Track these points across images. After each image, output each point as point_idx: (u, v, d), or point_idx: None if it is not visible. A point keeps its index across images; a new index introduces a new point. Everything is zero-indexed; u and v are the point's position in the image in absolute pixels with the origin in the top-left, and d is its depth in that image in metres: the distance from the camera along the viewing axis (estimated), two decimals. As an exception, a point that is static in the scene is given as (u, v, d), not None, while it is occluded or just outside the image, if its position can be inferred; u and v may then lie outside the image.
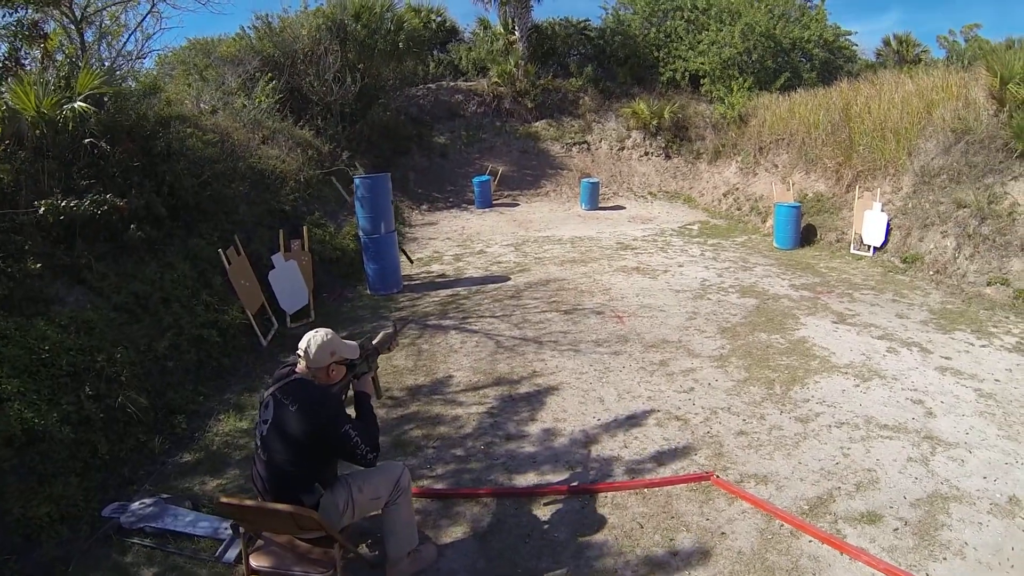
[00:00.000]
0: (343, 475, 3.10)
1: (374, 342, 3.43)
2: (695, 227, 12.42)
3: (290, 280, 7.10)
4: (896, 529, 3.51)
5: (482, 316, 7.32)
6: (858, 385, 5.33)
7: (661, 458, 4.31)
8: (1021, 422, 4.63)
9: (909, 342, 6.21)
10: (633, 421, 4.81)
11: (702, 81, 16.67)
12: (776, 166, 13.02)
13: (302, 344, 2.90)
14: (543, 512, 3.76)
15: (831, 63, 17.00)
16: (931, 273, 8.27)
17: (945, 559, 3.26)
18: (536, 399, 5.23)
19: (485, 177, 14.04)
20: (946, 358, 5.81)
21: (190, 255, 6.45)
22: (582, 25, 18.78)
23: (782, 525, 3.57)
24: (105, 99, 6.20)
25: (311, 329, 2.99)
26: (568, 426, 4.75)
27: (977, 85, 9.49)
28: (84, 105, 5.61)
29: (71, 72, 6.19)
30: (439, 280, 9.03)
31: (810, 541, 3.43)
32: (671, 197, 15.05)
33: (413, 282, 8.93)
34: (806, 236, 10.61)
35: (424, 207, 13.67)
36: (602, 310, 7.39)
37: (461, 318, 7.28)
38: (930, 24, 54.21)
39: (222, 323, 6.10)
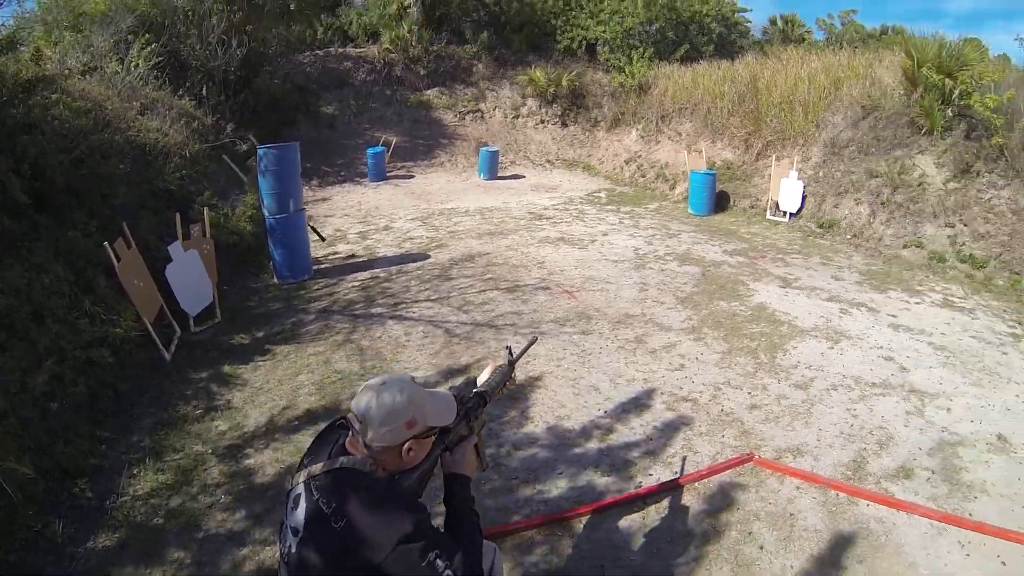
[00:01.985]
0: None
1: (481, 385, 2.30)
2: (602, 195, 12.88)
3: (192, 274, 6.16)
4: (928, 479, 3.94)
5: (416, 300, 6.94)
6: (832, 347, 5.79)
7: (692, 443, 4.33)
8: (978, 369, 5.37)
9: (855, 303, 6.85)
10: (642, 407, 4.78)
11: (600, 50, 17.27)
12: (679, 134, 13.72)
13: (358, 405, 1.77)
14: (601, 532, 3.52)
15: (726, 38, 18.31)
16: (848, 237, 9.14)
17: (976, 498, 3.76)
18: (523, 394, 4.97)
19: (379, 148, 13.65)
20: (893, 316, 6.51)
21: (63, 252, 5.31)
22: (479, -10, 18.72)
23: (838, 495, 3.78)
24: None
25: (375, 380, 1.83)
26: (574, 422, 4.59)
27: (881, 66, 10.81)
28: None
29: None
30: (352, 262, 8.45)
31: (868, 505, 3.69)
32: (570, 165, 15.51)
33: (322, 266, 8.27)
34: (719, 202, 11.38)
35: (315, 182, 12.98)
36: (546, 285, 7.36)
37: (393, 304, 6.84)
38: (809, 6, 60.29)
39: (113, 338, 5.08)
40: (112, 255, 5.18)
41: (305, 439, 4.37)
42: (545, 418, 4.64)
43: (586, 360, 5.51)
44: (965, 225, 8.08)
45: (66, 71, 7.75)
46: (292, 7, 13.60)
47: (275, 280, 7.61)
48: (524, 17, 17.99)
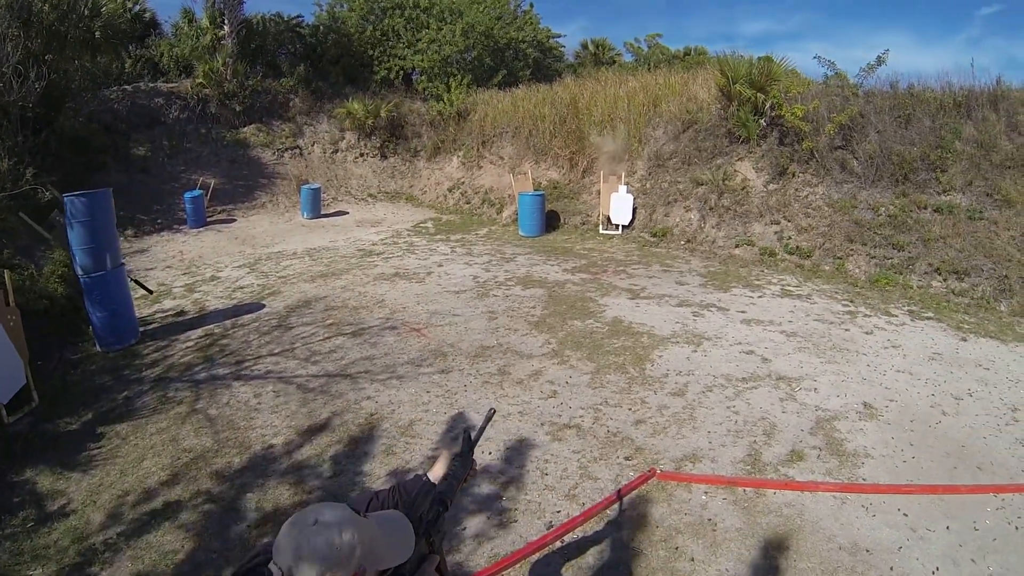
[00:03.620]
0: None
1: (438, 483, 1.86)
2: (429, 225, 12.71)
3: None
4: (818, 456, 4.15)
5: (260, 356, 6.17)
6: (695, 350, 5.91)
7: (588, 470, 4.07)
8: (829, 348, 5.81)
9: (705, 304, 7.15)
10: (527, 444, 4.45)
11: (417, 79, 17.26)
12: (502, 158, 13.99)
13: (282, 557, 1.23)
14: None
15: (542, 62, 19.07)
16: (683, 243, 9.66)
17: (863, 464, 4.07)
18: (399, 447, 4.48)
19: (197, 192, 12.54)
20: (742, 312, 6.86)
21: None
22: (295, 22, 18.17)
23: (745, 491, 3.76)
24: None
25: (301, 516, 1.28)
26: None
27: (696, 83, 11.76)
28: None
29: None
30: (182, 319, 7.38)
31: (775, 493, 3.74)
32: (392, 197, 15.27)
33: (150, 326, 7.12)
34: (550, 222, 11.60)
35: (130, 232, 11.50)
36: (392, 324, 6.90)
37: (235, 363, 6.01)
38: (612, 30, 64.86)
39: None
40: None
41: (168, 539, 3.57)
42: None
43: (454, 401, 5.12)
44: (788, 221, 8.89)
45: None
46: (97, 35, 12.30)
47: (97, 348, 6.41)
48: (341, 48, 17.62)
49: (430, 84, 16.75)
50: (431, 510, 1.68)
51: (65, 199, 6.23)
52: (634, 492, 3.76)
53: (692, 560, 3.23)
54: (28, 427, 5.02)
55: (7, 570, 3.47)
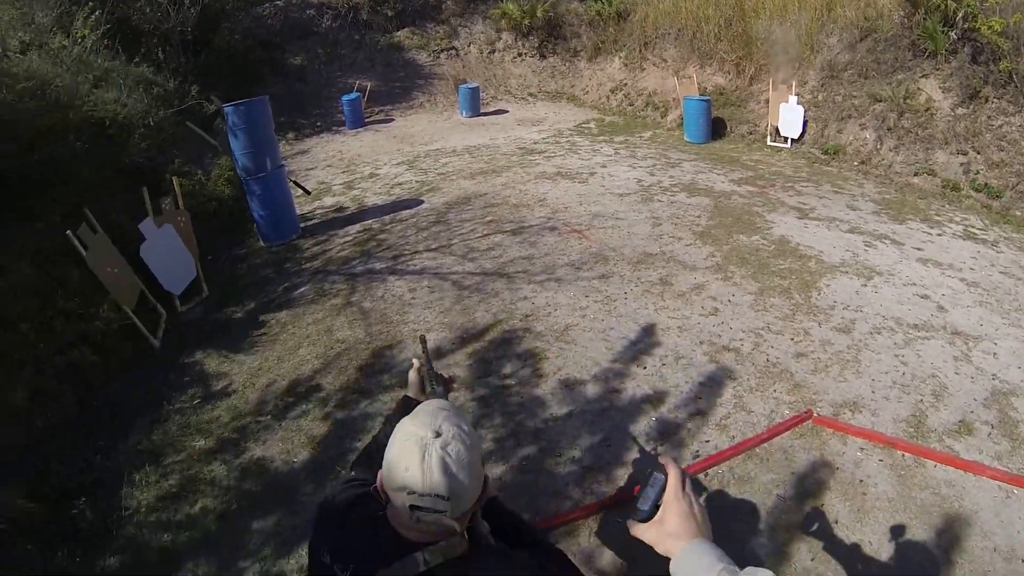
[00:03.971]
0: None
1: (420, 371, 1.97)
2: (592, 125, 12.34)
3: (169, 251, 5.63)
4: (988, 434, 3.70)
5: (416, 252, 6.48)
6: (865, 285, 5.50)
7: (743, 401, 4.05)
8: (1014, 309, 5.08)
9: (878, 234, 6.56)
10: (683, 361, 4.45)
11: None
12: (665, 60, 13.09)
13: (430, 478, 1.18)
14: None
15: None
16: (856, 164, 8.78)
17: None
18: (550, 350, 4.61)
19: (354, 95, 12.95)
20: (918, 249, 6.23)
21: (27, 249, 4.76)
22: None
23: (904, 456, 3.54)
24: None
25: (412, 426, 1.24)
26: (614, 382, 4.25)
27: None
28: None
29: None
30: (340, 215, 7.92)
31: (935, 466, 3.46)
32: (553, 97, 14.95)
33: (310, 222, 7.74)
34: (716, 129, 10.88)
35: (291, 136, 12.26)
36: (553, 225, 6.93)
37: (392, 258, 6.38)
38: None
39: (94, 334, 4.62)
40: (77, 244, 4.64)
41: (315, 425, 4.02)
42: (583, 380, 4.27)
43: (612, 308, 5.15)
44: (978, 153, 7.73)
45: (3, 53, 6.94)
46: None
47: (261, 243, 7.07)
48: (494, -53, 16.87)
49: (588, -17, 15.78)
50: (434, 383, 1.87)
51: (225, 109, 6.72)
52: (786, 432, 3.69)
53: (836, 523, 3.14)
54: (199, 315, 5.71)
55: (175, 440, 4.11)
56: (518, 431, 3.82)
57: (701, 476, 3.42)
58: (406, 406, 1.72)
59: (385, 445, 1.25)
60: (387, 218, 7.53)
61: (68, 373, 4.28)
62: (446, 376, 1.97)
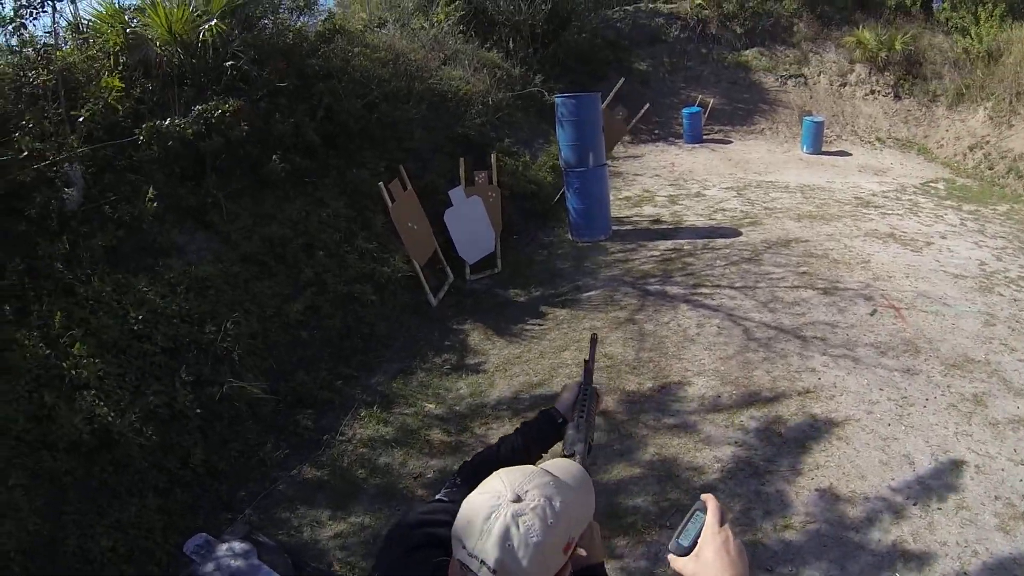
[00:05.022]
0: None
1: (572, 430, 1.50)
2: (940, 186, 10.01)
3: (472, 221, 5.96)
4: None
5: (718, 285, 5.80)
6: None
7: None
8: None
9: None
10: (964, 514, 3.20)
11: (940, 7, 13.72)
12: (1043, 117, 9.96)
13: (481, 548, 0.93)
14: None
15: None
16: None
17: None
18: (818, 444, 3.72)
19: (695, 109, 12.63)
20: None
21: (348, 189, 5.43)
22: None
23: None
24: (262, 19, 5.72)
25: (496, 487, 0.99)
26: (868, 505, 3.28)
27: None
28: (221, 24, 4.96)
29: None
30: (654, 228, 7.58)
31: None
32: (903, 146, 12.69)
33: (623, 226, 7.53)
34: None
35: (627, 138, 12.46)
36: (870, 294, 5.62)
37: (691, 285, 5.81)
38: None
39: (380, 276, 5.02)
40: (386, 196, 5.14)
41: None
42: (839, 494, 3.34)
43: (904, 414, 4.01)
44: None
45: (368, 26, 8.24)
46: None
47: (569, 236, 7.10)
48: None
49: (954, 13, 13.10)
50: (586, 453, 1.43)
51: (556, 99, 6.79)
52: None
53: None
54: (483, 288, 5.86)
55: (410, 395, 4.19)
56: (745, 525, 3.14)
57: None
58: (545, 420, 1.56)
59: (504, 458, 1.22)
60: (700, 243, 7.00)
61: (345, 302, 4.72)
62: (598, 393, 1.64)
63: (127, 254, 3.78)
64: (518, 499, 0.98)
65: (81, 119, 4.00)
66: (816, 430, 3.84)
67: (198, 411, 3.35)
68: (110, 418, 2.90)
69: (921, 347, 4.72)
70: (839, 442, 3.73)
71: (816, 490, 3.36)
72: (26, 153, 3.62)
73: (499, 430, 3.83)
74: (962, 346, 4.75)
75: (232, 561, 2.77)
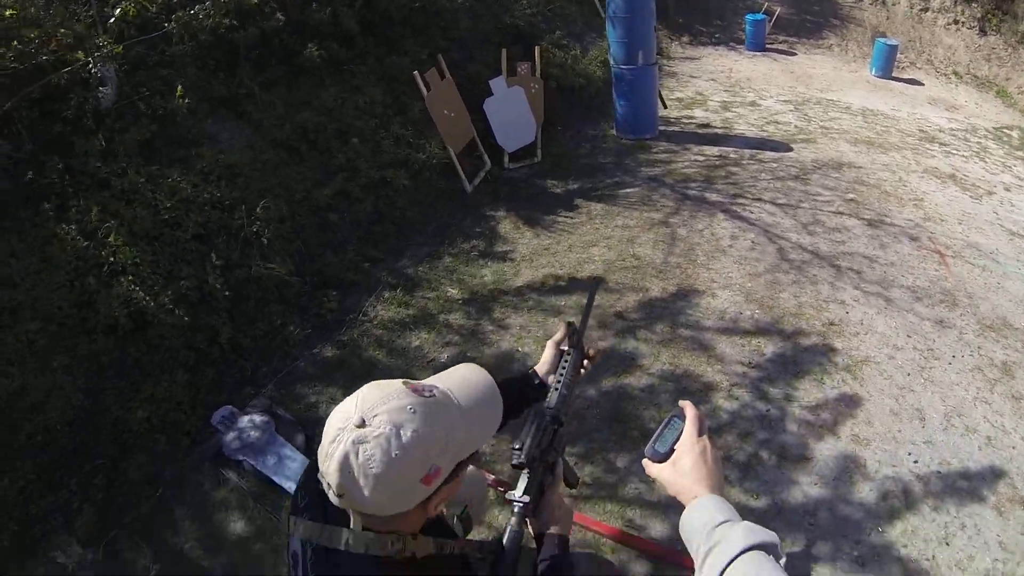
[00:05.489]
0: None
1: (550, 391, 1.42)
2: (1014, 134, 9.17)
3: (513, 111, 5.88)
4: None
5: (759, 199, 5.60)
6: None
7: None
8: None
9: None
10: (965, 490, 3.03)
11: None
12: None
13: (327, 470, 0.93)
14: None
15: None
16: None
17: None
18: (826, 379, 3.63)
19: (760, 16, 11.86)
20: None
21: (385, 76, 5.32)
22: None
23: None
24: None
25: (347, 408, 0.95)
26: (871, 462, 3.15)
27: None
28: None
29: None
30: (703, 132, 7.33)
31: None
32: (980, 85, 11.69)
33: (671, 127, 7.30)
34: None
35: (685, 39, 11.84)
36: (917, 234, 5.28)
37: (731, 195, 5.64)
38: None
39: (414, 162, 5.01)
40: (421, 84, 5.03)
41: (557, 330, 3.76)
42: (836, 430, 3.29)
43: (926, 367, 3.80)
44: None
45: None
46: None
47: (614, 132, 6.97)
48: None
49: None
50: (545, 421, 1.30)
51: None
52: None
53: None
54: (521, 177, 5.83)
55: (434, 279, 4.28)
56: (740, 447, 3.12)
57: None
58: (523, 381, 1.51)
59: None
60: (748, 153, 6.74)
61: (376, 187, 4.73)
62: (591, 352, 1.54)
63: (160, 147, 3.86)
64: (363, 423, 0.91)
65: (111, 20, 3.96)
66: (834, 364, 3.73)
67: (227, 293, 3.51)
68: (145, 301, 3.12)
69: (960, 300, 4.47)
70: (854, 382, 3.62)
71: (820, 427, 3.31)
72: (59, 55, 3.64)
73: (517, 319, 3.91)
74: (1003, 308, 4.47)
75: (252, 432, 3.00)
